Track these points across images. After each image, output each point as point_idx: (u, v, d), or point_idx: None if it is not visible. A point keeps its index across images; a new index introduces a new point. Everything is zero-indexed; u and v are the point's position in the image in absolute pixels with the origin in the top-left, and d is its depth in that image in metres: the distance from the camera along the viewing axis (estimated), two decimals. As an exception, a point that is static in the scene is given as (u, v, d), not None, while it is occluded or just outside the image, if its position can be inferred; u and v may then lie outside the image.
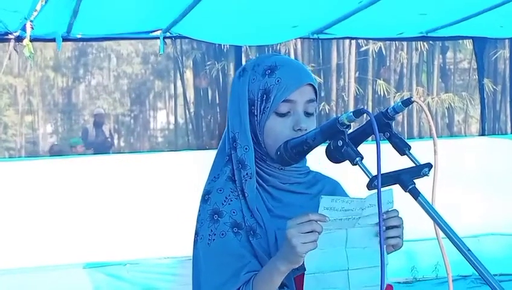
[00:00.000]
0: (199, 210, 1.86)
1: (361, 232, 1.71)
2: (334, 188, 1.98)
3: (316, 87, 1.92)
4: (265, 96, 1.85)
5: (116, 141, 17.65)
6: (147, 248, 6.82)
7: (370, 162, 1.61)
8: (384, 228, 1.71)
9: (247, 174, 1.85)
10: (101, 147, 12.48)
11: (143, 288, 6.79)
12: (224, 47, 13.27)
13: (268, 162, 1.88)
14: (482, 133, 8.12)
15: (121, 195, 6.78)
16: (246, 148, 1.86)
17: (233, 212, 1.82)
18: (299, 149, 1.74)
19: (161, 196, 6.71)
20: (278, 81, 1.84)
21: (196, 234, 1.85)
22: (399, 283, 7.27)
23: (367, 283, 1.74)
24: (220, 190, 1.85)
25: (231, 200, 1.84)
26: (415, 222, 5.55)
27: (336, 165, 1.72)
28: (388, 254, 1.79)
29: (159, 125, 20.57)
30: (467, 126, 16.00)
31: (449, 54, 16.45)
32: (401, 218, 1.76)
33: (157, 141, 19.90)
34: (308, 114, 1.87)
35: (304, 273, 1.72)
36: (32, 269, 6.58)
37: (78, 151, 11.64)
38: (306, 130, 1.83)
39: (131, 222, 6.74)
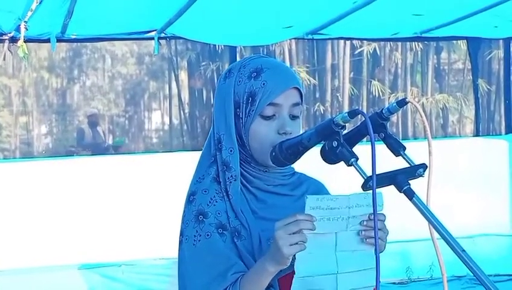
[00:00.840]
0: (184, 211, 1.87)
1: (350, 236, 1.70)
2: (319, 189, 1.99)
3: (302, 90, 1.92)
4: (250, 99, 1.85)
5: (111, 142, 17.63)
6: (142, 248, 6.81)
7: (365, 163, 1.62)
8: (366, 229, 1.71)
9: (231, 176, 1.85)
10: (96, 148, 12.46)
11: (138, 289, 6.79)
12: (218, 48, 13.28)
13: (253, 164, 1.88)
14: (477, 133, 8.13)
15: (116, 196, 6.77)
16: (231, 150, 1.86)
17: (218, 214, 1.82)
18: (294, 150, 1.74)
19: (156, 197, 6.70)
20: (263, 84, 1.84)
21: (181, 235, 1.85)
22: (394, 283, 7.27)
23: (355, 286, 1.74)
24: (205, 191, 1.85)
25: (216, 201, 1.84)
26: (409, 223, 5.58)
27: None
28: None
29: (153, 126, 20.55)
30: (461, 127, 16.01)
31: (443, 55, 16.47)
32: (383, 222, 1.75)
33: (151, 142, 19.88)
34: (293, 117, 1.87)
35: (288, 274, 1.73)
36: (27, 269, 6.57)
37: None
38: (291, 133, 1.83)
39: (126, 222, 6.74)
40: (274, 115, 1.85)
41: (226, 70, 1.94)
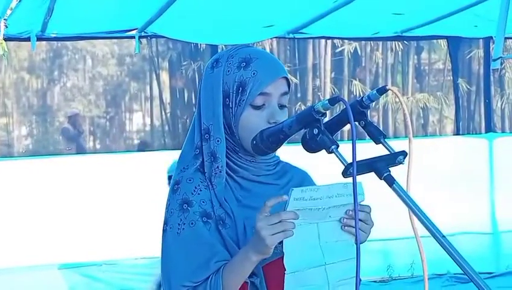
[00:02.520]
0: (168, 200, 1.86)
1: (331, 226, 1.71)
2: (303, 179, 1.99)
3: (289, 79, 1.93)
4: (241, 88, 1.85)
5: (91, 144, 17.55)
6: (123, 248, 6.79)
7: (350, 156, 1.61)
8: (348, 218, 1.72)
9: (217, 167, 1.85)
10: (78, 147, 12.41)
11: (119, 289, 6.77)
12: (200, 47, 13.26)
13: (240, 154, 1.88)
14: (457, 132, 8.18)
15: (96, 195, 6.74)
16: (218, 141, 1.86)
17: (203, 202, 1.83)
18: (275, 138, 1.74)
19: (137, 196, 6.68)
20: (254, 74, 1.84)
21: (165, 223, 1.85)
22: (375, 281, 7.30)
23: (342, 277, 1.74)
24: (190, 180, 1.85)
25: (200, 190, 1.84)
26: (390, 222, 5.59)
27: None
28: None
29: (134, 127, 20.46)
30: (441, 126, 16.07)
31: (424, 55, 16.55)
32: (368, 214, 1.76)
33: (133, 143, 19.80)
34: (281, 106, 1.88)
35: (272, 262, 1.74)
36: (6, 269, 6.53)
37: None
38: None
39: (106, 222, 6.71)
40: (264, 104, 1.85)
41: (213, 60, 1.93)
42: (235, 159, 1.88)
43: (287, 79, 1.90)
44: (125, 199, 6.77)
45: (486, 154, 7.79)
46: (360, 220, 1.73)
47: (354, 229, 1.69)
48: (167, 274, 1.83)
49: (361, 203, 1.71)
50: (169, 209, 1.85)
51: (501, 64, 3.82)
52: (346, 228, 1.72)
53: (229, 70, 1.87)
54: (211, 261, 1.77)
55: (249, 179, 1.89)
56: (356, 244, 1.64)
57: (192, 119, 1.94)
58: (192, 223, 1.81)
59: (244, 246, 1.76)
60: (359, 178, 1.61)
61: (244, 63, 1.86)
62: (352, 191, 1.62)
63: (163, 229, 1.85)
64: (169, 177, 5.78)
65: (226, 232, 1.81)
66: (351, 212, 1.70)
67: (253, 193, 1.88)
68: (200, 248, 1.79)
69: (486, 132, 8.11)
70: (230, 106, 1.86)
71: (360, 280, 1.67)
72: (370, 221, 1.77)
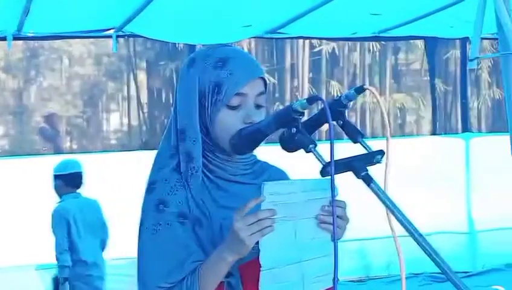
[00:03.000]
0: (144, 200, 1.85)
1: (308, 223, 1.71)
2: (280, 178, 1.98)
3: (266, 79, 1.92)
4: (217, 88, 1.83)
5: (68, 144, 17.47)
6: (100, 248, 6.75)
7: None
8: (324, 215, 1.72)
9: (193, 167, 1.84)
10: (55, 147, 12.35)
11: (95, 289, 6.73)
12: (178, 46, 13.24)
13: (216, 154, 1.87)
14: (434, 132, 8.24)
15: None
16: (194, 141, 1.85)
17: (179, 203, 1.81)
18: (253, 137, 1.74)
19: (115, 196, 6.65)
20: (230, 74, 1.83)
21: (141, 224, 1.83)
22: (352, 281, 7.32)
23: (318, 273, 1.75)
24: (166, 180, 1.84)
25: (177, 190, 1.83)
26: (368, 221, 5.61)
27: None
28: None
29: (112, 127, 20.39)
30: (418, 126, 16.18)
31: (401, 55, 16.65)
32: (344, 209, 1.76)
33: (110, 143, 19.74)
34: (258, 106, 1.87)
35: (248, 262, 1.73)
36: (-17, 270, 6.49)
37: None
38: None
39: (84, 222, 6.67)
40: (240, 104, 1.84)
41: (189, 59, 1.92)
42: (211, 159, 1.87)
43: (263, 79, 1.89)
44: (102, 199, 6.73)
45: (463, 154, 7.85)
46: (338, 216, 1.73)
47: (330, 225, 1.68)
48: (142, 275, 1.82)
49: (336, 198, 1.70)
50: (144, 209, 1.83)
51: (477, 64, 3.83)
52: (323, 225, 1.72)
53: (205, 70, 1.85)
54: (186, 261, 1.76)
55: (226, 179, 1.88)
56: (333, 241, 1.63)
57: (169, 119, 1.93)
58: (168, 224, 1.79)
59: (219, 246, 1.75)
60: (335, 177, 1.61)
61: (221, 63, 1.85)
62: (327, 186, 1.62)
63: (139, 230, 1.84)
64: (55, 177, 5.73)
65: (202, 232, 1.81)
66: (327, 208, 1.70)
67: (231, 193, 1.88)
68: (176, 248, 1.77)
69: (462, 132, 8.17)
70: (206, 105, 1.85)
71: (338, 279, 1.67)
72: (346, 217, 1.77)
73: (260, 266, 1.66)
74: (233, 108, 1.84)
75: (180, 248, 1.77)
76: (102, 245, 5.84)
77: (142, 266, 1.82)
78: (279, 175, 2.00)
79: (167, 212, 1.80)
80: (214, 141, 1.87)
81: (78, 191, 5.71)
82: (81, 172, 5.74)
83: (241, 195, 1.85)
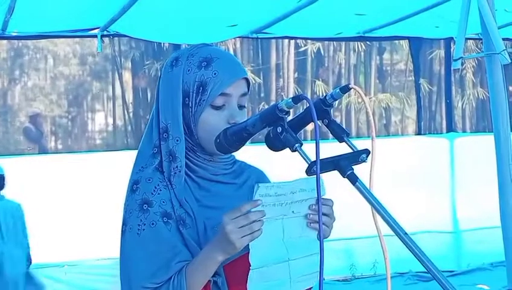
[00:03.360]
0: (127, 200, 1.83)
1: (296, 222, 1.72)
2: (259, 177, 1.99)
3: (249, 80, 1.92)
4: (201, 88, 1.83)
5: (53, 144, 17.39)
6: (85, 249, 6.74)
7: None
8: (312, 213, 1.72)
9: (176, 167, 1.83)
10: (39, 147, 12.30)
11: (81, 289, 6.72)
12: (163, 46, 13.21)
13: (198, 153, 1.87)
14: (419, 132, 8.26)
15: (58, 195, 6.69)
16: (178, 140, 1.84)
17: (163, 202, 1.81)
18: (238, 136, 1.74)
19: (99, 196, 6.64)
20: (214, 74, 1.83)
21: (124, 224, 1.82)
22: (338, 281, 7.34)
23: (304, 272, 1.76)
24: (149, 180, 1.83)
25: (160, 190, 1.82)
26: (353, 220, 5.62)
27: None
28: None
29: (97, 127, 20.31)
30: (403, 126, 16.22)
31: (386, 55, 16.69)
32: (331, 207, 1.77)
33: (95, 143, 19.66)
34: (241, 107, 1.87)
35: (233, 261, 1.74)
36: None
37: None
38: None
39: (69, 222, 6.66)
40: (224, 104, 1.84)
41: (172, 58, 1.91)
42: (193, 159, 1.87)
43: (246, 80, 1.89)
44: (87, 199, 6.72)
45: (448, 154, 7.88)
46: (324, 214, 1.74)
47: (317, 224, 1.68)
48: (127, 276, 1.80)
49: (323, 197, 1.70)
50: (128, 209, 1.82)
51: (462, 64, 3.85)
52: (312, 224, 1.72)
53: (189, 70, 1.85)
54: (172, 261, 1.76)
55: (208, 179, 1.88)
56: (319, 239, 1.64)
57: (150, 118, 1.92)
58: (152, 224, 1.78)
59: (205, 245, 1.75)
60: (321, 176, 1.61)
61: (205, 63, 1.84)
62: (315, 185, 1.62)
63: (122, 230, 1.82)
64: None
65: (186, 232, 1.80)
66: (314, 207, 1.70)
67: (212, 193, 1.88)
68: (161, 248, 1.77)
69: (447, 132, 8.20)
70: (190, 105, 1.84)
71: (324, 279, 1.68)
72: (332, 215, 1.77)
73: (245, 265, 1.66)
74: (217, 108, 1.84)
75: (166, 248, 1.76)
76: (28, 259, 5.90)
77: (127, 267, 1.80)
78: (258, 175, 2.00)
79: (151, 212, 1.79)
80: (195, 141, 1.86)
81: (2, 193, 5.81)
82: (3, 175, 5.84)
83: (223, 194, 1.87)
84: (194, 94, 1.84)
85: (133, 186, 1.83)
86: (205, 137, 1.84)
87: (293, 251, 1.72)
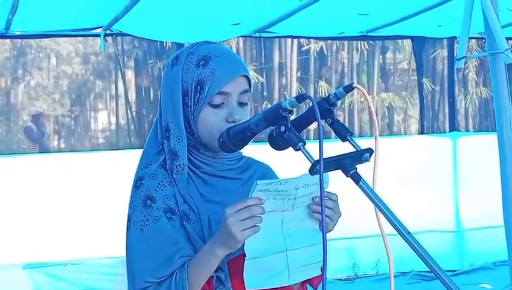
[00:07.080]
0: (131, 196, 1.86)
1: (296, 213, 1.72)
2: (265, 173, 2.00)
3: (250, 77, 1.92)
4: (199, 87, 1.84)
5: (56, 143, 17.42)
6: (88, 247, 6.74)
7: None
8: (315, 206, 1.72)
9: (179, 165, 1.85)
10: (41, 146, 12.30)
11: (84, 288, 6.72)
12: (166, 45, 13.21)
13: (201, 151, 1.89)
14: (421, 131, 8.25)
15: (61, 194, 6.69)
16: (179, 139, 1.85)
17: (167, 198, 1.82)
18: (242, 135, 1.74)
19: (102, 195, 6.64)
20: (212, 72, 1.83)
21: (128, 220, 1.84)
22: (341, 280, 7.33)
23: (304, 262, 1.76)
24: (153, 176, 1.85)
25: (164, 186, 1.84)
26: (356, 219, 5.62)
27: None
28: None
29: (100, 126, 20.33)
30: (406, 126, 16.20)
31: (389, 55, 16.67)
32: (336, 202, 1.77)
33: (98, 142, 19.68)
34: (241, 104, 1.87)
35: (237, 257, 1.74)
36: (-31, 270, 6.46)
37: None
38: (239, 121, 1.83)
39: (71, 221, 6.66)
40: (223, 103, 1.85)
41: (173, 56, 1.92)
42: (197, 156, 1.88)
43: (247, 76, 1.89)
44: (90, 198, 6.72)
45: (450, 153, 7.86)
46: (328, 207, 1.74)
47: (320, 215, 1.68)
48: (131, 270, 1.82)
49: (327, 191, 1.71)
50: (132, 205, 1.84)
51: (465, 64, 3.86)
52: (315, 214, 1.72)
53: (188, 68, 1.86)
54: (174, 256, 1.77)
55: (213, 175, 1.89)
56: (322, 231, 1.64)
57: (156, 116, 1.93)
58: (156, 219, 1.80)
59: (209, 241, 1.76)
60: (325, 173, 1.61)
61: (203, 61, 1.85)
62: (318, 181, 1.62)
63: (126, 226, 1.85)
64: None
65: (191, 227, 1.81)
66: (318, 200, 1.70)
67: (218, 188, 1.89)
68: (163, 243, 1.78)
69: (450, 131, 8.19)
70: (189, 104, 1.85)
71: (326, 278, 1.68)
72: (338, 210, 1.78)
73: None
74: (216, 106, 1.84)
75: (169, 243, 1.78)
76: None
77: (130, 262, 1.83)
78: (264, 170, 2.01)
79: (154, 208, 1.81)
80: (197, 139, 1.88)
81: None
82: None
83: (228, 190, 1.87)
84: (193, 93, 1.85)
85: (137, 183, 1.85)
86: (206, 135, 1.85)
87: (292, 242, 1.73)
